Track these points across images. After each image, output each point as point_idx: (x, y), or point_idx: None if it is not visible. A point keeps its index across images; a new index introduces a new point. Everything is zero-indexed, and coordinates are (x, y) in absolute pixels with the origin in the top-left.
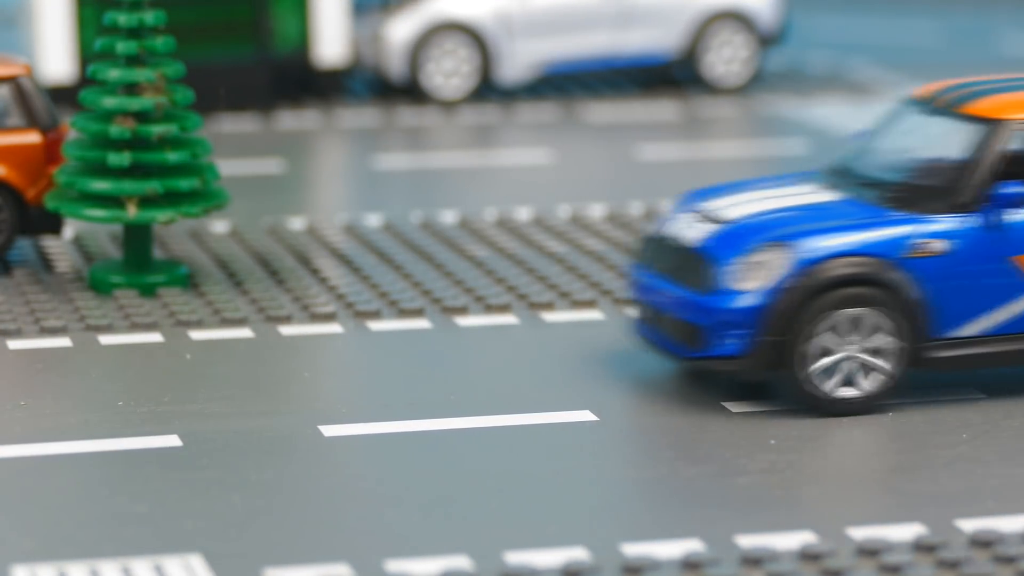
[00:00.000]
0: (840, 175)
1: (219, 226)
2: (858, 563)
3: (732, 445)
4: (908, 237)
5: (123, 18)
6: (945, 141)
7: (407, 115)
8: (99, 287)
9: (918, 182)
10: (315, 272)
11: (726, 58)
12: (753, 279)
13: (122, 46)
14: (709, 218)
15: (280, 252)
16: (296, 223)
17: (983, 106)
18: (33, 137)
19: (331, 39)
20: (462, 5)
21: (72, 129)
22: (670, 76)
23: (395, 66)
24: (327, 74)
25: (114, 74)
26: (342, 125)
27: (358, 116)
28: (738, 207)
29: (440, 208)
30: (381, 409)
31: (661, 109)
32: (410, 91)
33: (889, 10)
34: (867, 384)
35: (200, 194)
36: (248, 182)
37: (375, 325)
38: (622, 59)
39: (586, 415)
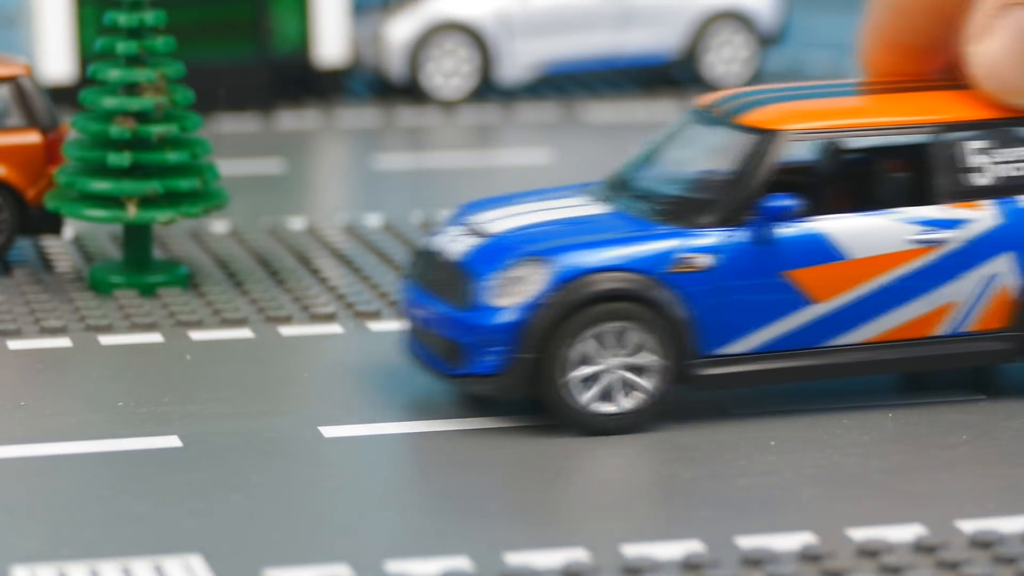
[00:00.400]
0: (616, 187)
1: (219, 226)
2: (858, 564)
3: (732, 446)
4: (672, 252)
5: (123, 18)
6: (722, 152)
7: (407, 115)
8: (99, 287)
9: (688, 195)
10: (315, 272)
11: (726, 58)
12: (511, 295)
13: (122, 46)
14: (474, 232)
15: (280, 252)
16: (296, 223)
17: (757, 116)
18: (33, 137)
19: (331, 39)
20: (462, 5)
21: (72, 129)
22: (670, 76)
23: (395, 66)
24: (327, 74)
25: (114, 74)
26: (342, 125)
27: (358, 116)
28: (504, 220)
29: (440, 208)
30: (381, 409)
31: (661, 109)
32: (410, 91)
33: None
34: (626, 402)
35: (200, 194)
36: (248, 182)
37: (375, 325)
38: (622, 59)
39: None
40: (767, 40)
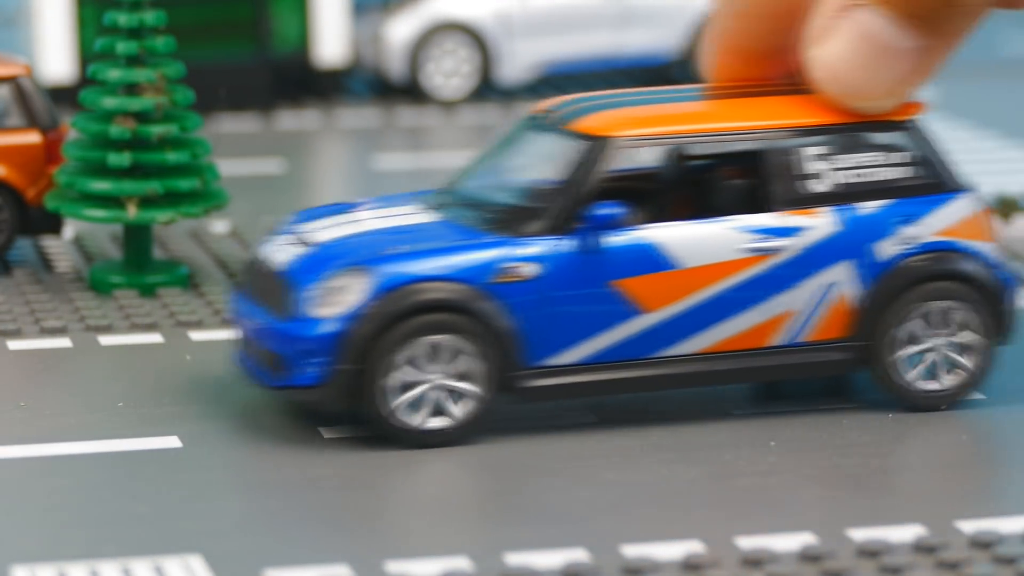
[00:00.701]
0: (449, 196)
1: (219, 226)
2: (858, 564)
3: (732, 447)
4: (497, 261)
5: (123, 18)
6: (554, 160)
7: (407, 115)
8: (99, 287)
9: (517, 203)
10: None
11: None
12: (331, 305)
13: (122, 46)
14: (300, 241)
15: None
16: None
17: (588, 123)
18: (33, 137)
19: (331, 39)
20: (462, 5)
21: (72, 129)
22: (670, 76)
23: (395, 66)
24: (327, 74)
25: (114, 74)
26: (342, 125)
27: (358, 116)
28: (331, 229)
29: None
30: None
31: None
32: (410, 91)
33: None
34: (458, 411)
35: (200, 194)
36: (248, 182)
37: None
38: (622, 59)
39: (591, 417)
40: None
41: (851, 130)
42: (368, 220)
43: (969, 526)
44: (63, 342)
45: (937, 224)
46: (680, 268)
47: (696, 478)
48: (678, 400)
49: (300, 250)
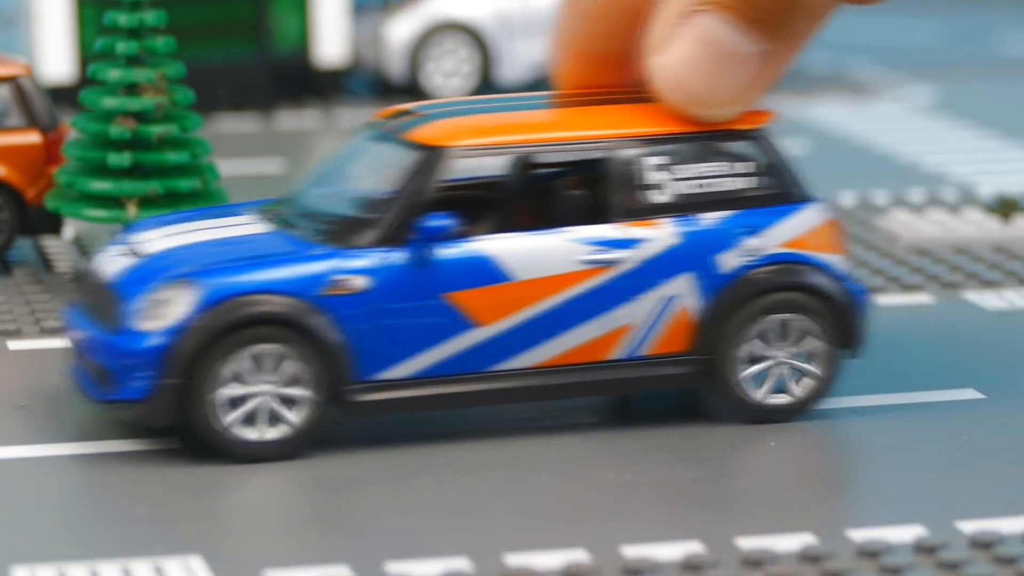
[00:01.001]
0: (287, 206)
1: None
2: (858, 565)
3: (732, 446)
4: (326, 273)
5: (123, 18)
6: (390, 170)
7: None
8: None
9: (351, 214)
10: None
11: None
12: (157, 318)
13: (122, 46)
14: (132, 252)
15: None
16: None
17: (423, 132)
18: (33, 137)
19: (331, 39)
20: (462, 5)
21: (72, 129)
22: None
23: (395, 66)
24: (327, 74)
25: (114, 74)
26: (342, 125)
27: (358, 116)
28: (162, 240)
29: None
30: None
31: None
32: (410, 91)
33: (889, 10)
34: (294, 416)
35: (200, 194)
36: (248, 182)
37: None
38: None
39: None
40: None
41: (695, 139)
42: (200, 231)
43: (969, 526)
44: (63, 342)
45: (782, 235)
46: (514, 280)
47: (696, 478)
48: (678, 402)
49: (129, 262)
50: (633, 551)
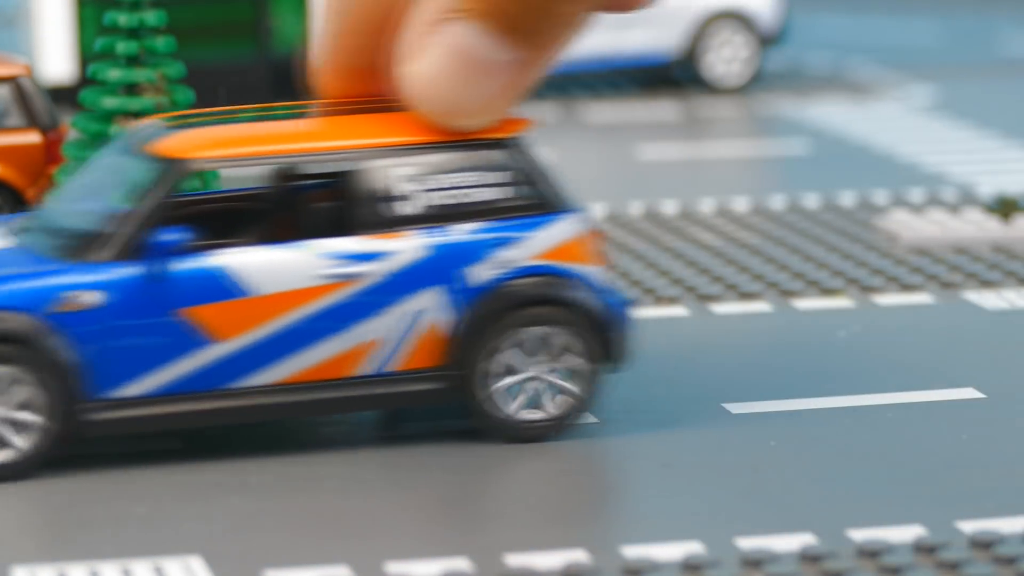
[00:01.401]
0: (34, 220)
1: None
2: (858, 565)
3: (732, 447)
4: (57, 289)
5: (123, 18)
6: (132, 183)
7: None
8: None
9: (88, 229)
10: None
11: (726, 58)
12: None
13: (122, 46)
14: None
15: None
16: None
17: (164, 144)
18: (33, 137)
19: None
20: None
21: (72, 129)
22: (670, 76)
23: None
24: None
25: (114, 74)
26: None
27: None
28: None
29: None
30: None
31: (661, 109)
32: None
33: (889, 10)
34: (20, 442)
35: None
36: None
37: None
38: (622, 59)
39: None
40: (767, 40)
41: (446, 149)
42: None
43: (969, 527)
44: None
45: (536, 247)
46: (253, 295)
47: (695, 478)
48: (678, 402)
49: None
50: (633, 551)
